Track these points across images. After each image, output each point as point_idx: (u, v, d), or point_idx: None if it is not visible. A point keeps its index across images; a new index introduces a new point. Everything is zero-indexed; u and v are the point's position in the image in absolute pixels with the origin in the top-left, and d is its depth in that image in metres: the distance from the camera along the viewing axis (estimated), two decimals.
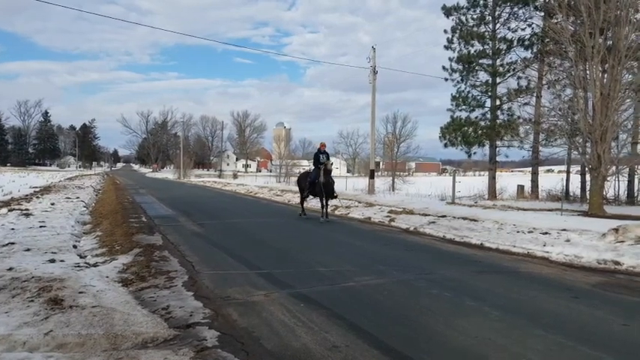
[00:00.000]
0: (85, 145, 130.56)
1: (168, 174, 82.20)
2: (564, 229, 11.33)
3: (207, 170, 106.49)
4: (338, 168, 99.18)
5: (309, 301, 5.91)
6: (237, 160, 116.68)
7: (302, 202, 17.00)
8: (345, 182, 34.34)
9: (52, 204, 16.89)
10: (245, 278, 7.10)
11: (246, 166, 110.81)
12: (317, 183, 15.44)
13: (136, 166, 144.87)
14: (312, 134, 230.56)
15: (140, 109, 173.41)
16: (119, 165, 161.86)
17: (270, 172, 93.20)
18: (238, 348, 4.36)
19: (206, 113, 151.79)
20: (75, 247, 9.51)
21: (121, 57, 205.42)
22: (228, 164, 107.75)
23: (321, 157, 15.99)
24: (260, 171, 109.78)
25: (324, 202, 15.44)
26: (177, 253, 9.10)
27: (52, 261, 7.60)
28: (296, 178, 25.38)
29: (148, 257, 8.37)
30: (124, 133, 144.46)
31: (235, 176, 73.00)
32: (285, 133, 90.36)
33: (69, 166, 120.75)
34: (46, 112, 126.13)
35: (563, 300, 6.22)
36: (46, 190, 26.40)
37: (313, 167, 16.49)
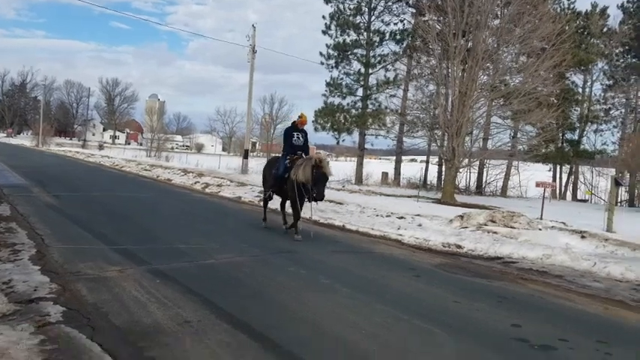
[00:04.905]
0: None
1: (25, 140, 75.39)
2: (418, 215, 12.28)
3: (71, 139, 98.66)
4: (214, 146, 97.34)
5: (165, 277, 5.84)
6: (104, 130, 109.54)
7: (265, 204, 10.72)
8: (219, 160, 33.88)
9: None
10: (100, 253, 6.82)
11: (114, 137, 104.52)
12: (288, 180, 9.40)
13: None
14: (189, 109, 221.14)
15: None
16: None
17: (141, 145, 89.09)
18: (84, 323, 4.22)
19: (75, 78, 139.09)
20: None
21: None
22: (94, 134, 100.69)
23: (294, 137, 9.86)
24: (129, 144, 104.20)
25: (299, 208, 9.24)
26: (26, 225, 8.45)
27: None
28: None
29: None
30: None
31: (101, 147, 68.72)
32: (158, 106, 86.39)
33: None
34: None
35: (406, 279, 6.80)
36: None
37: (282, 153, 10.09)
